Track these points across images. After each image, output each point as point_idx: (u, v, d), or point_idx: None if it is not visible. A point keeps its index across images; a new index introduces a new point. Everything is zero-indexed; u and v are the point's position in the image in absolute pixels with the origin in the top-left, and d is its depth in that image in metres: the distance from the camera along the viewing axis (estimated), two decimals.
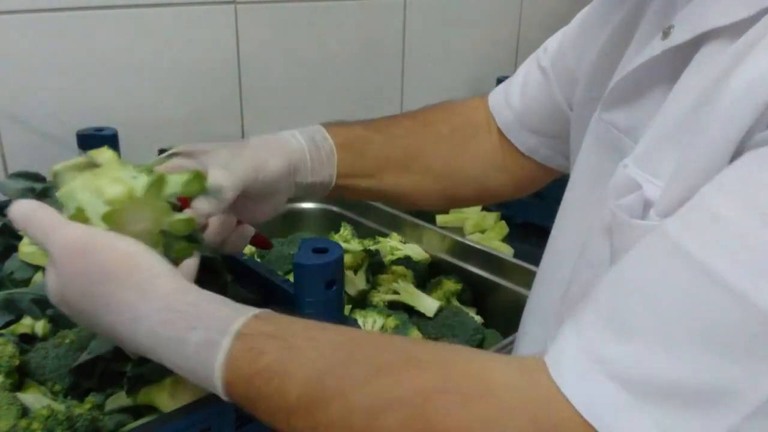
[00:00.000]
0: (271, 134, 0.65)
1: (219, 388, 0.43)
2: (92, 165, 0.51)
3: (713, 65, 0.41)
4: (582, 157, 0.59)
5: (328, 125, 0.68)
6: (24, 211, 0.48)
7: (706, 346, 0.33)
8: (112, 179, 0.49)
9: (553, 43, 0.70)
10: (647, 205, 0.42)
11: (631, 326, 0.36)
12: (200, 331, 0.43)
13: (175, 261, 0.50)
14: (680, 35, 0.45)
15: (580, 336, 0.38)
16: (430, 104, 0.76)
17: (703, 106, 0.40)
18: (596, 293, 0.39)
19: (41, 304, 0.61)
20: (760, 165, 0.34)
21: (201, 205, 0.53)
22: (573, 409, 0.36)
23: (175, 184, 0.51)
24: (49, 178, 0.73)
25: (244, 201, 0.59)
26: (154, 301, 0.44)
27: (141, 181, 0.49)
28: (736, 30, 0.40)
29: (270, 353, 0.42)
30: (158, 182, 0.49)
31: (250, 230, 0.62)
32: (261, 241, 0.67)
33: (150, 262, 0.46)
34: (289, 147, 0.64)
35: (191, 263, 0.51)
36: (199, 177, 0.52)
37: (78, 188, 0.49)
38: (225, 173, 0.56)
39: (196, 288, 0.46)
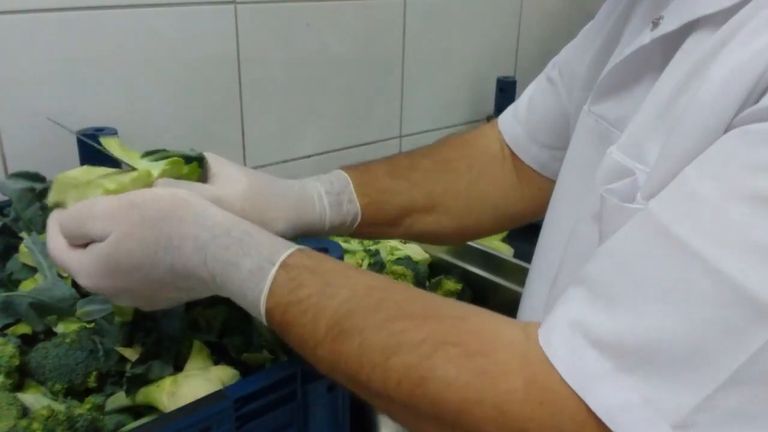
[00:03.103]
0: (299, 186, 0.62)
1: (262, 313, 0.47)
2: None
3: (697, 52, 0.42)
4: (571, 150, 0.59)
5: (352, 174, 0.66)
6: (52, 223, 0.52)
7: (681, 317, 0.34)
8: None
9: (560, 56, 0.71)
10: (634, 190, 0.43)
11: (611, 297, 0.37)
12: (253, 258, 0.47)
13: None
14: (668, 25, 0.45)
15: (567, 307, 0.40)
16: (445, 138, 0.76)
17: (685, 92, 0.41)
18: (584, 268, 0.41)
19: (39, 309, 0.61)
20: (737, 143, 0.35)
21: None
22: (560, 376, 0.37)
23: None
24: (50, 177, 0.74)
25: None
26: (213, 228, 0.48)
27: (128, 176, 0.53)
28: (722, 18, 0.41)
29: (309, 287, 0.46)
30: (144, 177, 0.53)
31: None
32: None
33: (196, 198, 0.50)
34: (309, 211, 0.61)
35: None
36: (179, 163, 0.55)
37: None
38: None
39: (242, 219, 0.51)
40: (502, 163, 0.74)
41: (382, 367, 0.42)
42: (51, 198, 0.54)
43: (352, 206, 0.64)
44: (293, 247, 0.48)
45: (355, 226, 0.65)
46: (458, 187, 0.72)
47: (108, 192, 0.51)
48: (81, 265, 0.50)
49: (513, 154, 0.73)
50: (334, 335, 0.44)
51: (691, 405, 0.34)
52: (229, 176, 0.57)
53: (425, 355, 0.41)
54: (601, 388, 0.36)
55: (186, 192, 0.51)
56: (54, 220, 0.52)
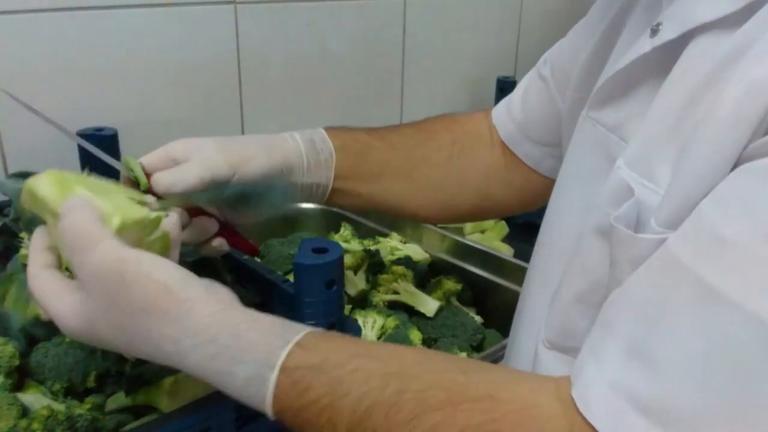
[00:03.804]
0: (270, 134, 0.66)
1: (271, 417, 0.44)
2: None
3: (703, 62, 0.41)
4: (569, 155, 0.59)
5: (329, 129, 0.68)
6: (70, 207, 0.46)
7: (731, 375, 0.33)
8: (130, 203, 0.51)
9: (552, 53, 0.71)
10: (644, 211, 0.42)
11: (653, 358, 0.35)
12: (247, 365, 0.43)
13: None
14: (668, 32, 0.44)
15: (603, 368, 0.38)
16: (433, 116, 0.76)
17: (697, 106, 0.40)
18: (610, 319, 0.39)
19: (30, 338, 0.60)
20: (758, 181, 0.34)
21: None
22: None
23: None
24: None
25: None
26: (196, 335, 0.44)
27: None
28: (724, 24, 0.40)
29: (317, 389, 0.42)
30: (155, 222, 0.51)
31: (213, 226, 0.60)
32: (247, 248, 0.65)
33: (186, 290, 0.45)
34: (284, 146, 0.64)
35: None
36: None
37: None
38: (174, 176, 0.56)
39: (234, 309, 0.45)
40: (489, 147, 0.74)
41: None
42: (24, 204, 0.49)
43: (325, 145, 0.67)
44: (293, 342, 0.43)
45: (333, 169, 0.66)
46: (438, 157, 0.72)
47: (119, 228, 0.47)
48: (63, 301, 0.46)
49: (505, 146, 0.73)
50: None
51: None
52: (201, 147, 0.59)
53: None
54: None
55: (178, 276, 0.45)
56: (40, 234, 0.49)
